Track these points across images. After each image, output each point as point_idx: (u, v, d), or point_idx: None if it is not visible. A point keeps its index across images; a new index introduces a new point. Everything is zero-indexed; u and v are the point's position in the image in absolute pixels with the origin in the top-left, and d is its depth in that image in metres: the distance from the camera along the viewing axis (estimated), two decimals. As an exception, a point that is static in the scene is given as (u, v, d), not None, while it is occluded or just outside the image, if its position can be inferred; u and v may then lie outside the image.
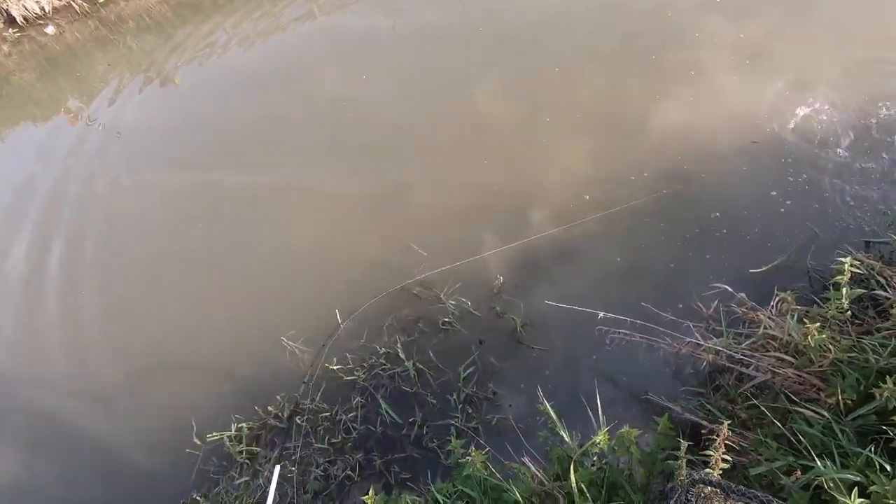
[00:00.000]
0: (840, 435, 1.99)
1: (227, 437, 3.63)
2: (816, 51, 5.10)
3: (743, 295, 2.84)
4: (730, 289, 2.90)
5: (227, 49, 7.39)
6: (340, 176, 5.16)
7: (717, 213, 4.00)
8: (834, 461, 1.90)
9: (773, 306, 2.64)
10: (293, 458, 3.52)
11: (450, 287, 4.05)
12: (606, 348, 3.39)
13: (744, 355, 2.42)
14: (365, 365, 3.83)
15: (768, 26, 5.48)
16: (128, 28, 8.39)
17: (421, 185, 4.87)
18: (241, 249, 4.82)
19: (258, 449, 3.64)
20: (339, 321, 4.05)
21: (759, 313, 2.66)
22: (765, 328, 2.48)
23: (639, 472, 2.36)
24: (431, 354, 3.78)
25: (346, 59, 6.56)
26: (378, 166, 5.16)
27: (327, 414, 3.66)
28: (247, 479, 3.51)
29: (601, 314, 2.71)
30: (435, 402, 3.56)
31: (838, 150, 4.27)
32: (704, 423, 2.66)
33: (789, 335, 2.36)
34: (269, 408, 3.75)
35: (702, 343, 2.62)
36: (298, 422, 3.66)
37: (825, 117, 4.52)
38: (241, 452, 3.59)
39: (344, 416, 3.62)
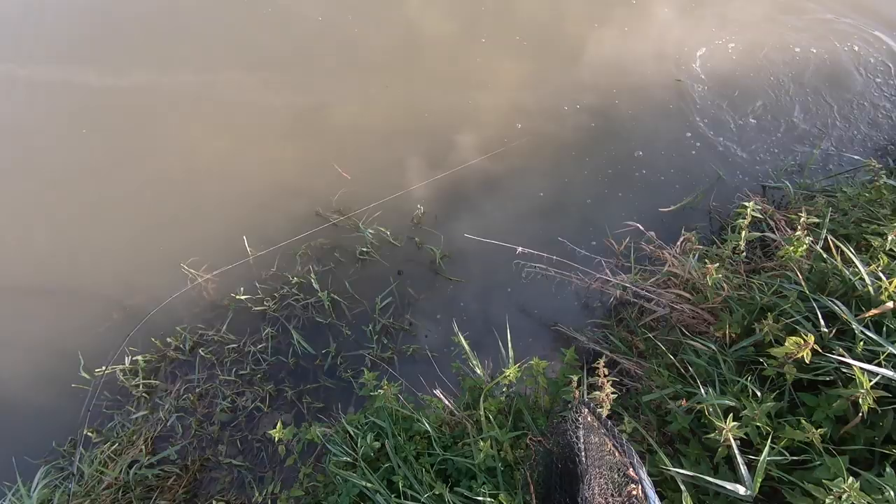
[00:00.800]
0: (722, 365, 2.18)
1: (121, 370, 3.36)
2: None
3: (652, 233, 2.94)
4: (641, 227, 2.99)
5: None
6: (253, 85, 4.60)
7: (640, 153, 4.07)
8: (715, 388, 2.08)
9: (678, 245, 2.77)
10: (196, 390, 3.35)
11: (369, 216, 3.86)
12: (522, 282, 3.44)
13: (647, 291, 2.54)
14: (276, 295, 3.63)
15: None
16: None
17: (342, 102, 4.47)
18: (136, 163, 4.23)
19: (157, 382, 3.41)
20: (248, 248, 3.76)
21: (664, 252, 2.78)
22: (669, 266, 2.61)
23: (544, 398, 2.47)
24: (347, 285, 3.65)
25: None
26: (296, 77, 4.65)
27: (234, 345, 3.48)
28: (145, 412, 3.31)
29: (519, 249, 2.70)
30: (349, 333, 3.49)
31: (744, 99, 4.44)
32: (606, 352, 2.84)
33: (690, 273, 2.50)
34: (169, 339, 3.49)
35: (611, 279, 2.71)
36: (202, 353, 3.45)
37: (737, 64, 4.64)
38: (137, 386, 3.35)
39: (253, 348, 3.46)
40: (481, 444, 2.11)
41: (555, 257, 2.93)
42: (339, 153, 4.15)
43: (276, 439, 2.42)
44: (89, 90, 4.63)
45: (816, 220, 2.59)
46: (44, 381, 3.48)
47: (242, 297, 3.58)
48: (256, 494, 2.97)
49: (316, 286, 3.58)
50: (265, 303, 3.59)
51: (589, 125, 4.26)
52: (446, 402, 2.33)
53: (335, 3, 5.09)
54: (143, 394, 3.36)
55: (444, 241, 3.75)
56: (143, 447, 3.12)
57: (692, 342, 2.27)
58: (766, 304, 2.27)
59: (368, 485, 2.14)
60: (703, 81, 4.49)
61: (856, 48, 4.69)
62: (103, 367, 3.32)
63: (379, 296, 3.58)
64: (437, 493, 2.08)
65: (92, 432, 3.23)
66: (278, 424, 2.47)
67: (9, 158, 4.39)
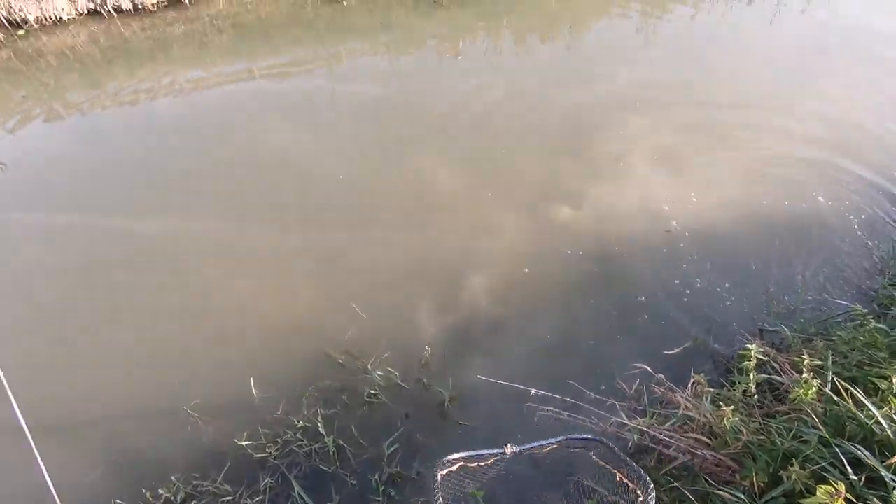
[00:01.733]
0: (756, 518, 2.08)
1: (102, 527, 3.08)
2: (719, 159, 5.87)
3: (661, 376, 2.98)
4: (649, 369, 3.05)
5: (156, 97, 7.13)
6: (276, 232, 4.96)
7: (643, 297, 4.28)
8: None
9: (689, 388, 2.80)
10: (184, 552, 3.04)
11: (378, 357, 3.90)
12: (533, 425, 3.36)
13: (665, 436, 2.51)
14: (279, 440, 3.49)
15: (678, 134, 6.26)
16: (47, 64, 7.89)
17: (359, 249, 4.79)
18: (148, 304, 4.38)
19: (140, 541, 3.11)
20: (254, 390, 3.72)
21: (676, 394, 2.80)
22: (683, 409, 2.61)
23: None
24: (354, 429, 3.54)
25: (285, 118, 6.55)
26: (318, 227, 5.04)
27: (230, 498, 3.24)
28: (121, 580, 2.96)
29: (533, 391, 2.71)
30: (355, 482, 3.29)
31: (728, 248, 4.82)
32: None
33: (705, 417, 2.50)
34: (160, 490, 3.26)
35: (626, 422, 2.69)
36: (194, 507, 3.20)
37: (718, 217, 5.13)
38: (118, 547, 3.05)
39: (249, 501, 3.22)
40: None
41: (569, 399, 2.93)
42: (352, 296, 4.33)
43: None
44: (121, 234, 4.97)
45: (819, 362, 2.67)
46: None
47: (244, 443, 3.44)
48: None
49: (322, 431, 3.47)
50: (266, 449, 3.43)
51: (591, 270, 4.54)
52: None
53: (356, 164, 5.74)
54: (123, 556, 3.03)
55: (452, 383, 3.74)
56: None
57: (721, 492, 2.18)
58: (789, 450, 2.24)
59: None
60: (687, 235, 4.91)
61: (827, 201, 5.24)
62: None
63: (386, 441, 3.45)
64: None
65: None
66: (277, 592, 2.23)
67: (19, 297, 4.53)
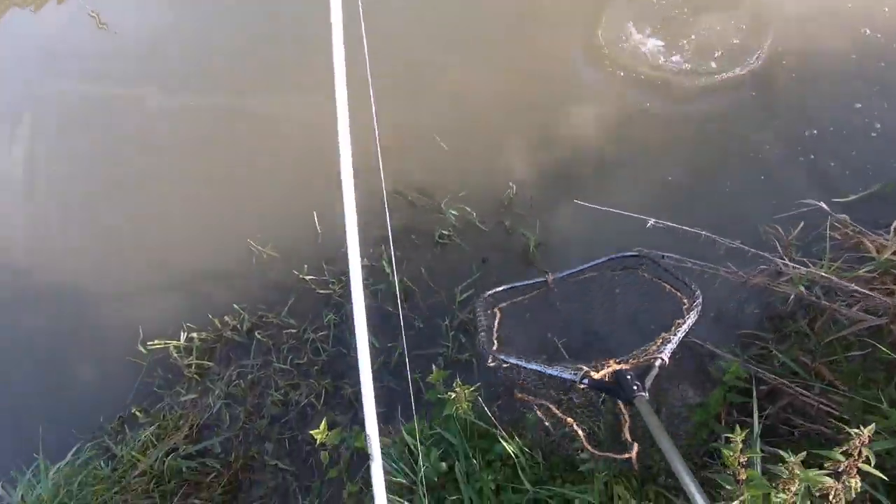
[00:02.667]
0: None
1: (175, 346, 3.07)
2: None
3: (844, 216, 2.08)
4: (824, 206, 2.13)
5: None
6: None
7: (814, 131, 3.12)
8: None
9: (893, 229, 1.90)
10: (249, 377, 2.97)
11: (454, 194, 3.31)
12: (639, 277, 2.68)
13: (854, 288, 1.70)
14: (343, 278, 3.18)
15: None
16: None
17: (435, 72, 3.98)
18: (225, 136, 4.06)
19: (210, 364, 3.09)
20: (317, 226, 3.37)
21: (865, 239, 1.92)
22: (892, 253, 1.75)
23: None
24: (423, 271, 3.12)
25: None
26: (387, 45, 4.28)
27: (294, 331, 3.07)
28: (194, 396, 2.98)
29: (651, 221, 1.96)
30: (422, 326, 2.94)
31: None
32: (768, 378, 2.01)
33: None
34: (227, 318, 3.16)
35: (787, 270, 1.89)
36: (259, 337, 3.07)
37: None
38: (189, 366, 3.05)
39: (313, 335, 3.02)
40: (597, 480, 1.42)
41: (703, 232, 2.14)
42: (432, 125, 3.64)
43: (318, 442, 1.90)
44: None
45: None
46: (104, 355, 3.31)
47: (307, 278, 3.18)
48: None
49: (388, 270, 3.09)
50: (330, 286, 3.15)
51: (746, 96, 3.36)
52: (540, 416, 1.67)
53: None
54: (195, 375, 3.04)
55: (539, 227, 3.10)
56: (188, 433, 2.78)
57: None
58: None
59: (427, 522, 1.53)
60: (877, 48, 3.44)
61: None
62: (159, 343, 3.06)
63: (459, 286, 2.99)
64: (523, 549, 1.42)
65: (140, 411, 2.96)
66: (322, 424, 1.96)
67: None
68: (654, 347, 1.54)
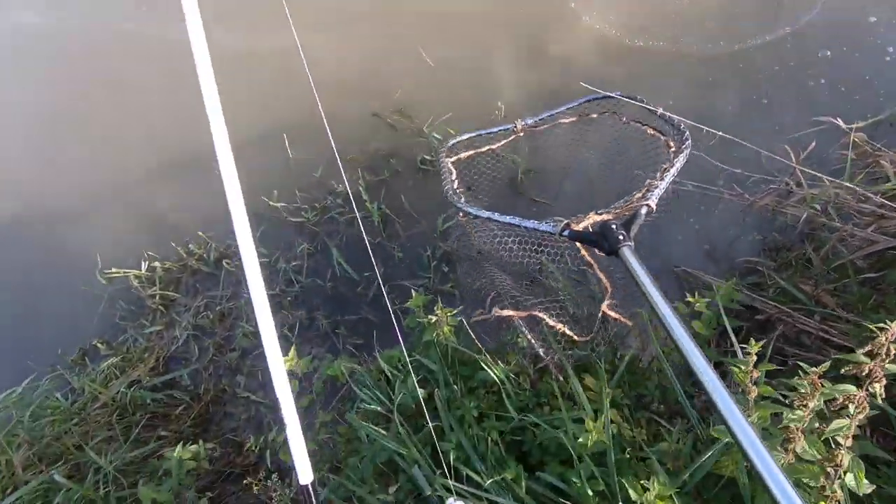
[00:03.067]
0: None
1: (135, 276, 2.86)
2: None
3: (862, 134, 1.90)
4: (840, 122, 1.95)
5: None
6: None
7: (828, 52, 2.88)
8: None
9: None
10: (217, 308, 2.79)
11: (437, 118, 3.05)
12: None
13: (870, 206, 1.55)
14: (317, 206, 2.97)
15: None
16: None
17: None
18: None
19: (176, 295, 2.89)
20: (288, 148, 3.10)
21: (885, 158, 1.76)
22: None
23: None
24: (403, 199, 2.91)
25: None
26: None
27: (265, 260, 2.87)
28: (160, 328, 2.80)
29: (660, 110, 1.71)
30: (402, 256, 2.77)
31: None
32: (765, 307, 1.90)
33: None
34: (192, 247, 2.94)
35: (799, 189, 1.73)
36: (228, 267, 2.87)
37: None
38: (153, 297, 2.85)
39: (285, 265, 2.83)
40: (587, 407, 1.30)
41: (719, 132, 1.92)
42: (414, 43, 3.33)
43: (288, 370, 1.75)
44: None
45: None
46: (60, 285, 3.07)
47: (277, 204, 2.95)
48: (274, 435, 2.37)
49: (365, 196, 2.87)
50: (303, 214, 2.93)
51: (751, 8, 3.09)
52: (531, 339, 1.53)
53: None
54: (160, 306, 2.85)
55: (528, 152, 2.88)
56: (154, 365, 2.62)
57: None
58: None
59: (403, 451, 1.41)
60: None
61: None
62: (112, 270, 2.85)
63: (442, 215, 2.80)
64: (507, 476, 1.31)
65: (102, 343, 2.78)
66: (291, 351, 1.81)
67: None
68: (640, 195, 1.40)
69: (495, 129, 2.05)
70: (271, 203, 2.94)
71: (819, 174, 1.72)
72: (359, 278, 2.74)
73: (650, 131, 1.78)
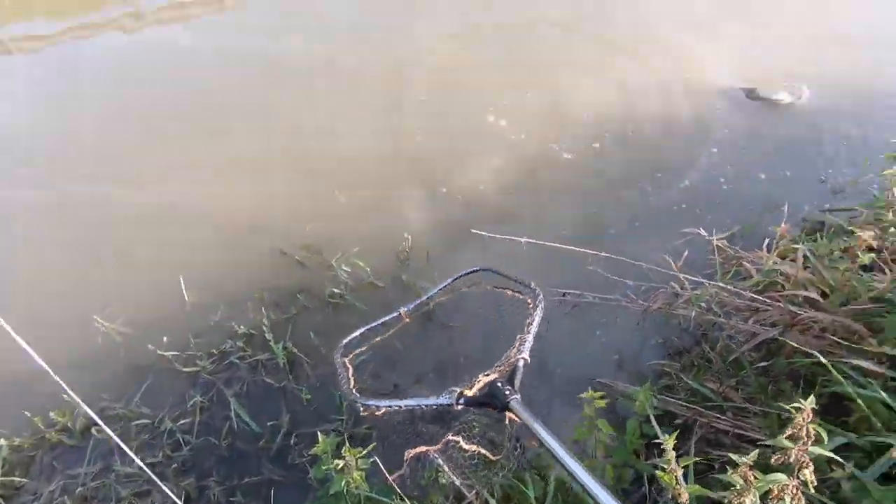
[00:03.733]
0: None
1: (-30, 461, 2.30)
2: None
3: (723, 241, 2.17)
4: (703, 232, 2.22)
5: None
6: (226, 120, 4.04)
7: (687, 182, 3.40)
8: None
9: (768, 246, 1.98)
10: (77, 490, 2.27)
11: (345, 253, 3.06)
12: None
13: (751, 300, 1.70)
14: (214, 352, 2.70)
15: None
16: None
17: (327, 137, 3.87)
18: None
19: (23, 480, 2.34)
20: (184, 292, 2.90)
21: (749, 257, 1.99)
22: (770, 265, 1.80)
23: (606, 470, 1.52)
24: (312, 336, 2.75)
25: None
26: (272, 114, 4.12)
27: (147, 421, 2.47)
28: (-4, 528, 2.20)
29: (524, 239, 1.98)
30: (311, 399, 2.52)
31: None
32: (680, 410, 1.92)
33: (805, 272, 1.69)
34: (53, 414, 2.47)
35: (683, 291, 1.87)
36: (97, 434, 2.42)
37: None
38: (-9, 486, 2.28)
39: (172, 425, 2.44)
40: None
41: (603, 254, 2.08)
42: (320, 184, 3.47)
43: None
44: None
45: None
46: None
47: (168, 354, 2.64)
48: None
49: (269, 336, 2.67)
50: (198, 362, 2.64)
51: (619, 155, 3.63)
52: (450, 475, 1.36)
53: (333, 41, 4.74)
54: (-1, 497, 2.27)
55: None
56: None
57: (851, 361, 1.39)
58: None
59: None
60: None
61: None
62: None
63: (354, 351, 2.65)
64: None
65: None
66: (164, 532, 1.46)
67: None
68: (515, 350, 1.69)
69: (381, 320, 2.32)
70: (159, 352, 2.63)
71: (697, 277, 1.90)
72: (261, 431, 2.42)
73: (509, 293, 2.13)
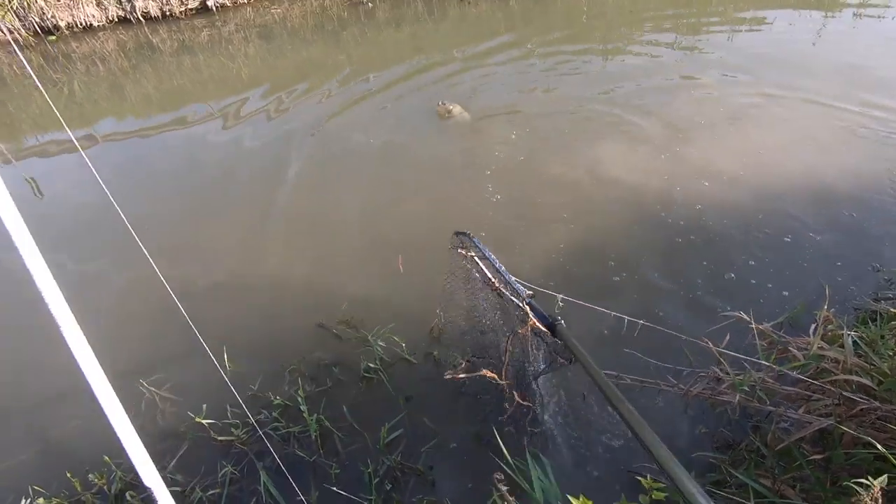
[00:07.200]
0: None
1: (9, 521, 2.35)
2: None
3: (767, 325, 2.11)
4: (744, 315, 2.17)
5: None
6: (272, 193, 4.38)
7: (732, 275, 3.38)
8: None
9: (814, 330, 1.91)
10: (105, 559, 2.25)
11: (381, 328, 3.12)
12: (579, 403, 2.51)
13: (801, 381, 1.62)
14: (249, 422, 2.73)
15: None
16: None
17: (375, 216, 4.12)
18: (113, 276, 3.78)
19: (54, 543, 2.34)
20: (227, 361, 2.99)
21: (794, 343, 1.92)
22: (816, 350, 1.72)
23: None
24: (345, 410, 2.75)
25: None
26: (328, 188, 4.45)
27: (178, 489, 2.47)
28: None
29: (560, 296, 1.96)
30: (340, 473, 2.47)
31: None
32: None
33: (856, 359, 1.62)
34: (91, 476, 2.52)
35: (725, 376, 1.81)
36: (131, 499, 2.43)
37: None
38: (23, 550, 2.29)
39: (202, 494, 2.44)
40: None
41: (640, 322, 2.04)
42: (359, 261, 3.65)
43: None
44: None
45: None
46: None
47: (205, 421, 2.69)
48: None
49: (304, 409, 2.69)
50: (233, 431, 2.67)
51: (677, 239, 3.69)
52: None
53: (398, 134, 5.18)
54: (28, 563, 2.27)
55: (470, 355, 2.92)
56: None
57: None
58: None
59: None
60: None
61: None
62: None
63: (386, 425, 2.63)
64: None
65: None
66: None
67: None
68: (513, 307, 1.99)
69: (512, 279, 2.05)
70: (197, 419, 2.68)
71: (740, 356, 1.84)
72: (288, 505, 2.37)
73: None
